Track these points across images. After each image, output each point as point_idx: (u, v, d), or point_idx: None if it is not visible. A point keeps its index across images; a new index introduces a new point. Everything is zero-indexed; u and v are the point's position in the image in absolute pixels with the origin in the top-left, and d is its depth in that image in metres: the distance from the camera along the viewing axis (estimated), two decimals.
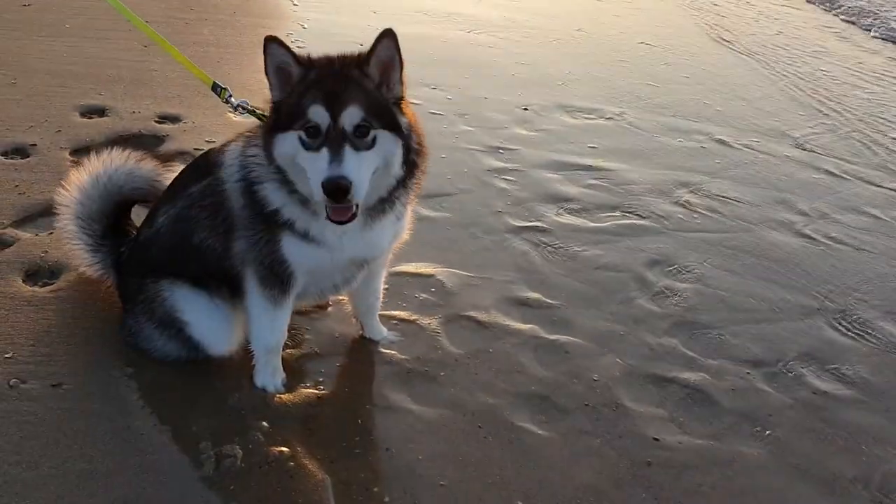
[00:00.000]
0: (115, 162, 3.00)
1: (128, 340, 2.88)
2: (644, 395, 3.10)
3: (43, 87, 4.89)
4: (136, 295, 2.83)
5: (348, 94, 2.23)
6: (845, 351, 3.54)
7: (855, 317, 3.79)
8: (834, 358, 3.48)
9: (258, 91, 5.17)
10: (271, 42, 2.28)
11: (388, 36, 2.29)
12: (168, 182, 2.98)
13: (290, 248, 2.53)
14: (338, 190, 2.15)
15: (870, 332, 3.69)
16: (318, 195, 2.19)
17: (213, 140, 4.43)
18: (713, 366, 3.32)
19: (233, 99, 2.95)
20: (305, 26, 6.91)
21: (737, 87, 7.05)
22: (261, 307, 2.68)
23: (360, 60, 2.32)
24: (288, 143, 2.29)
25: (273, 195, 2.47)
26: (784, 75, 7.52)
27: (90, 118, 4.63)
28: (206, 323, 2.77)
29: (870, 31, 9.54)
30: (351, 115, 2.21)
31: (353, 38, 6.75)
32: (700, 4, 10.05)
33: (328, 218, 2.30)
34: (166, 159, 4.11)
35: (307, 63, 2.31)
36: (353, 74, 2.30)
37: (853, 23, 9.80)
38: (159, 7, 6.75)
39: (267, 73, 2.33)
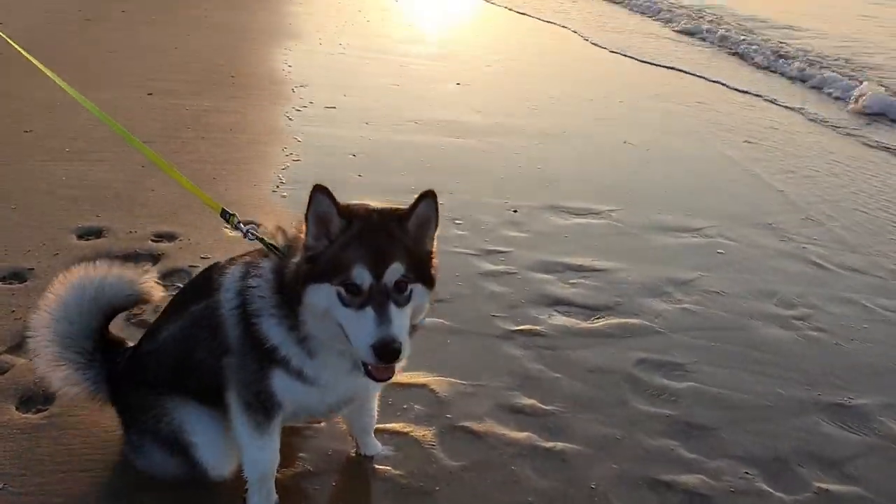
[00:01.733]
0: (90, 274, 2.94)
1: (127, 454, 2.86)
2: (642, 501, 3.06)
3: (42, 212, 5.02)
4: (139, 412, 2.80)
5: (391, 251, 2.26)
6: (844, 446, 3.52)
7: (851, 410, 3.78)
8: (833, 454, 3.46)
9: (254, 206, 5.36)
10: (318, 192, 2.26)
11: (429, 196, 2.33)
12: (142, 283, 2.99)
13: (280, 383, 2.53)
14: (390, 353, 2.15)
15: (867, 425, 3.67)
16: (366, 356, 2.18)
17: (209, 256, 4.52)
18: (711, 467, 3.29)
19: (241, 225, 2.90)
20: (300, 139, 7.12)
21: (723, 183, 7.23)
22: (247, 435, 2.66)
23: (401, 216, 2.35)
24: (323, 295, 2.26)
25: (272, 331, 2.46)
26: (768, 169, 7.71)
27: (87, 240, 4.73)
28: (213, 444, 2.73)
29: (846, 131, 9.85)
30: (393, 272, 2.23)
31: (347, 149, 7.01)
32: (682, 103, 10.38)
33: (368, 375, 2.28)
34: (162, 277, 4.24)
35: (348, 215, 2.31)
36: (394, 230, 2.32)
37: (833, 124, 10.13)
38: (157, 126, 6.99)
39: (307, 219, 2.31)
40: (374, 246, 2.26)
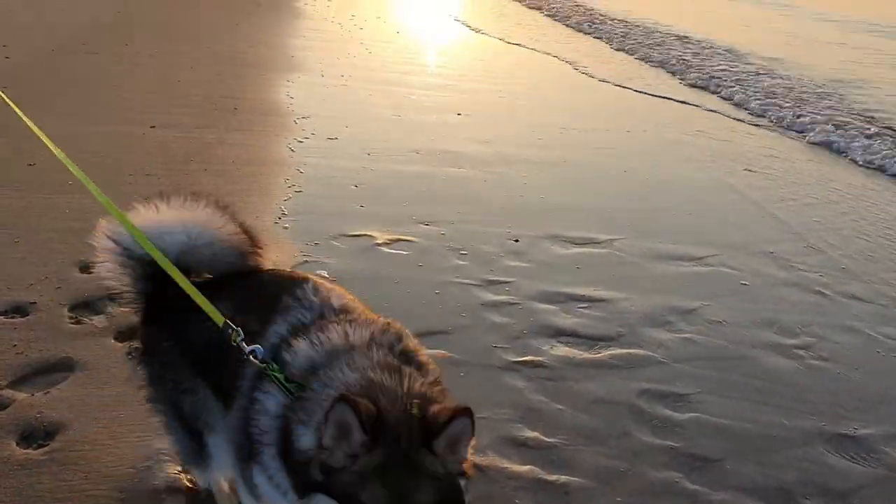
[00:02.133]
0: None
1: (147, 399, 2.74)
2: None
3: (44, 244, 5.03)
4: (166, 371, 2.63)
5: (417, 497, 1.94)
6: (850, 477, 3.50)
7: (856, 441, 3.76)
8: (839, 485, 3.43)
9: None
10: (342, 402, 1.95)
11: (464, 415, 1.98)
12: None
13: (266, 487, 2.34)
14: None
15: (873, 455, 3.65)
16: None
17: None
18: (716, 499, 3.27)
19: (244, 344, 2.37)
20: (302, 170, 7.15)
21: (723, 211, 7.25)
22: (245, 493, 2.54)
23: (430, 436, 1.99)
24: None
25: (270, 466, 2.25)
26: (768, 197, 7.74)
27: (90, 273, 4.71)
28: (223, 443, 2.61)
29: (852, 159, 9.90)
30: None
31: (349, 179, 7.04)
32: (682, 132, 10.44)
33: None
34: None
35: (373, 429, 1.95)
36: (422, 462, 1.98)
37: (832, 152, 10.18)
38: (160, 159, 7.02)
39: (326, 419, 1.98)
40: (398, 492, 1.94)
